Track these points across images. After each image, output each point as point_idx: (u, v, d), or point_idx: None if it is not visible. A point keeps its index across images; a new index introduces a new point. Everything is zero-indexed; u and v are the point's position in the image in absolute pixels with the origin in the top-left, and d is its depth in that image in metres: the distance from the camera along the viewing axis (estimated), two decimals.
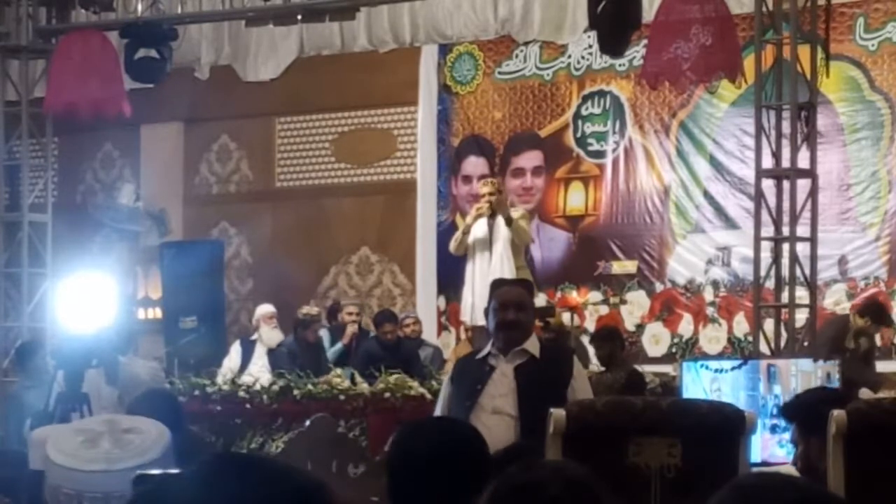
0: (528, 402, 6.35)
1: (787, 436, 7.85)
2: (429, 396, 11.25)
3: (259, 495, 1.85)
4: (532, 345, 6.60)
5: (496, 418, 6.38)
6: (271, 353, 13.57)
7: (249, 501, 1.84)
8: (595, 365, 12.58)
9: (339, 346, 13.75)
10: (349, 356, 13.53)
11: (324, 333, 13.92)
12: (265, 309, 14.64)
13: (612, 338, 12.15)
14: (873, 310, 11.92)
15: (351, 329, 13.80)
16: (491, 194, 12.43)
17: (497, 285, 7.06)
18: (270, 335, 13.74)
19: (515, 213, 12.68)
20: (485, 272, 11.85)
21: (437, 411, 6.79)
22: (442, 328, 15.94)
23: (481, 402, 6.45)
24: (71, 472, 3.18)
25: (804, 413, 4.93)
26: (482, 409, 6.44)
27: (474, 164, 16.27)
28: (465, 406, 6.45)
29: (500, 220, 12.20)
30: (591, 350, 13.33)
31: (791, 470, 5.23)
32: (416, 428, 3.94)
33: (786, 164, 12.03)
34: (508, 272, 11.70)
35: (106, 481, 3.11)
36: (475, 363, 6.66)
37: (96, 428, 3.28)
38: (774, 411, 8.30)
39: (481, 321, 11.09)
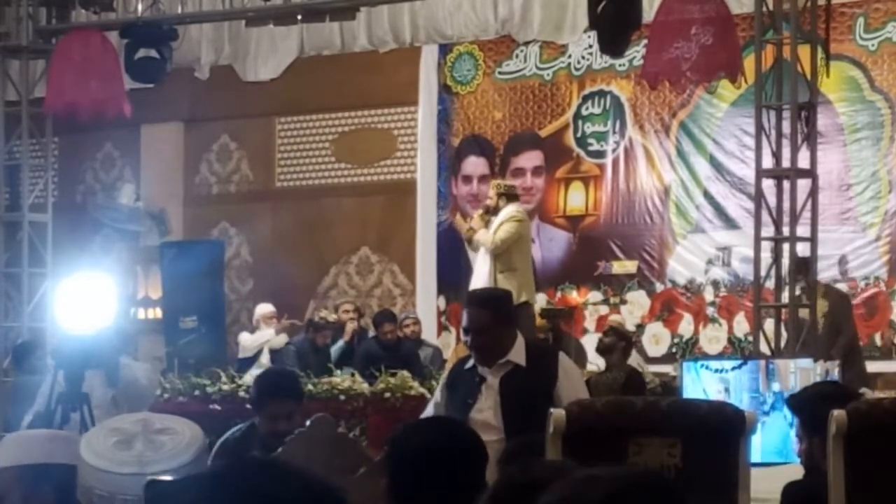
0: (511, 414, 6.31)
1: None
2: (429, 396, 11.22)
3: (280, 495, 1.83)
4: (517, 353, 6.49)
5: (485, 432, 6.35)
6: (275, 352, 13.64)
7: (270, 500, 1.83)
8: (594, 364, 12.59)
9: (340, 343, 13.76)
10: (353, 354, 13.54)
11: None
12: (265, 309, 14.71)
13: (625, 338, 12.04)
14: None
15: (351, 326, 13.82)
16: (489, 198, 12.09)
17: (466, 302, 7.00)
18: (278, 338, 13.90)
19: (506, 215, 12.02)
20: (475, 271, 11.73)
21: (429, 413, 6.74)
22: (442, 328, 15.94)
23: (472, 416, 6.42)
24: (104, 473, 3.17)
25: (807, 411, 4.93)
26: (473, 423, 6.40)
27: (474, 164, 16.27)
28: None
29: (495, 221, 11.85)
30: (590, 349, 13.36)
31: (797, 471, 5.23)
32: (415, 426, 3.94)
33: (786, 164, 12.02)
34: (486, 275, 11.40)
35: (138, 484, 3.11)
36: (466, 374, 6.61)
37: (130, 428, 3.27)
38: (769, 410, 8.32)
39: None
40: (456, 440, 3.77)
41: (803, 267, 11.98)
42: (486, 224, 11.60)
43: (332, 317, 13.89)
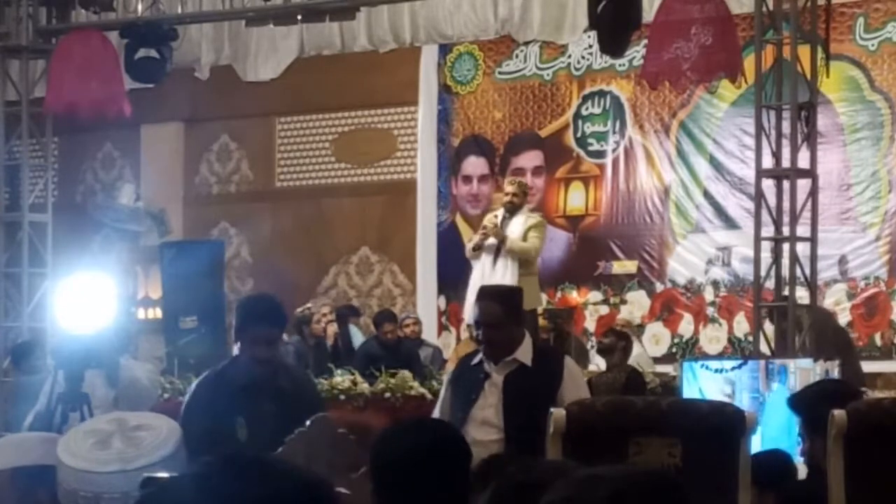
0: (513, 413, 6.32)
1: None
2: (429, 396, 11.22)
3: (263, 493, 1.84)
4: (523, 353, 6.51)
5: (485, 430, 6.36)
6: None
7: (253, 500, 1.84)
8: (595, 365, 12.59)
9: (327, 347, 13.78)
10: (339, 356, 13.52)
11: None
12: None
13: (625, 338, 11.99)
14: None
15: (332, 329, 13.81)
16: (514, 195, 11.91)
17: (479, 296, 7.00)
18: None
19: (532, 219, 11.88)
20: (488, 274, 11.63)
21: (437, 412, 6.77)
22: (442, 328, 15.94)
23: (473, 413, 6.43)
24: (86, 474, 3.16)
25: (807, 410, 4.93)
26: (473, 420, 6.42)
27: (474, 164, 16.28)
28: (459, 418, 6.42)
29: (512, 224, 11.73)
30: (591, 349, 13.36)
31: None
32: (397, 430, 3.94)
33: (786, 164, 12.02)
34: (510, 278, 11.37)
35: (123, 481, 3.11)
36: (472, 370, 6.63)
37: (106, 428, 3.27)
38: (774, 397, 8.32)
39: None
40: (438, 443, 3.76)
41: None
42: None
43: (309, 304, 14.00)
